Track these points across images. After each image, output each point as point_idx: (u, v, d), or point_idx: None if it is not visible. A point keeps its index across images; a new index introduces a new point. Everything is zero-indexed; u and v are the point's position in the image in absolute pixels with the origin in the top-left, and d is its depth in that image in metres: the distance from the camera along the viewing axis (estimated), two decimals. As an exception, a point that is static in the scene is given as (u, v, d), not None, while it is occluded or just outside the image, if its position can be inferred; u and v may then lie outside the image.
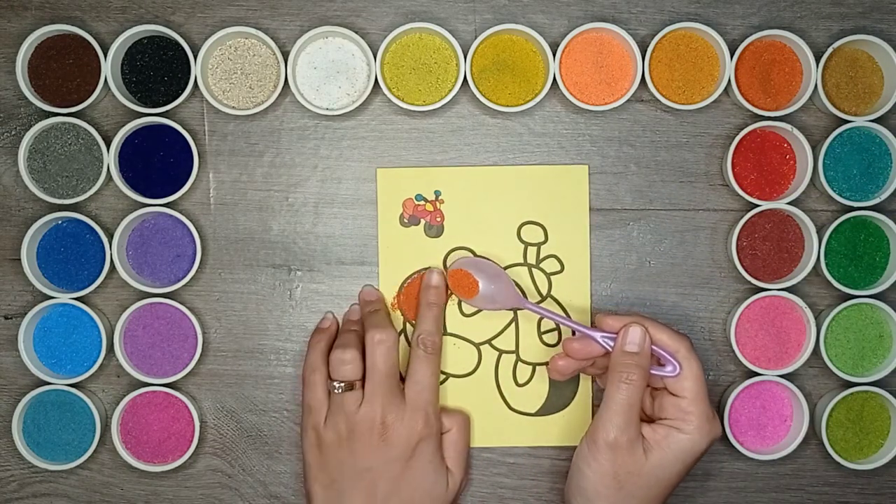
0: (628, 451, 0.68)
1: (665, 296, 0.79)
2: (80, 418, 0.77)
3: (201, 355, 0.78)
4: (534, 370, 0.78)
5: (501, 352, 0.78)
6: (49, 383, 0.77)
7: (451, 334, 0.78)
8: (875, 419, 0.77)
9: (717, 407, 0.79)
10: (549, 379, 0.77)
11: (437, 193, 0.77)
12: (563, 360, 0.73)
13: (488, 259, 0.77)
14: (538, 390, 0.78)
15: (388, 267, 0.78)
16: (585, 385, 0.78)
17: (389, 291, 0.78)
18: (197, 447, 0.78)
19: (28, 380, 0.78)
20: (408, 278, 0.78)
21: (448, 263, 0.77)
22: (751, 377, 0.77)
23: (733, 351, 0.77)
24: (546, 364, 0.77)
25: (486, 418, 0.78)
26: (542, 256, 0.77)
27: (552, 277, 0.78)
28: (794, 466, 0.79)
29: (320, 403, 0.74)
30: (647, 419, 0.72)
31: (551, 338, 0.78)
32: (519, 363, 0.78)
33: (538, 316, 0.77)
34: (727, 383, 0.79)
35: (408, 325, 0.78)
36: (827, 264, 0.77)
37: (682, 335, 0.71)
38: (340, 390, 0.72)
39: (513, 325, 0.78)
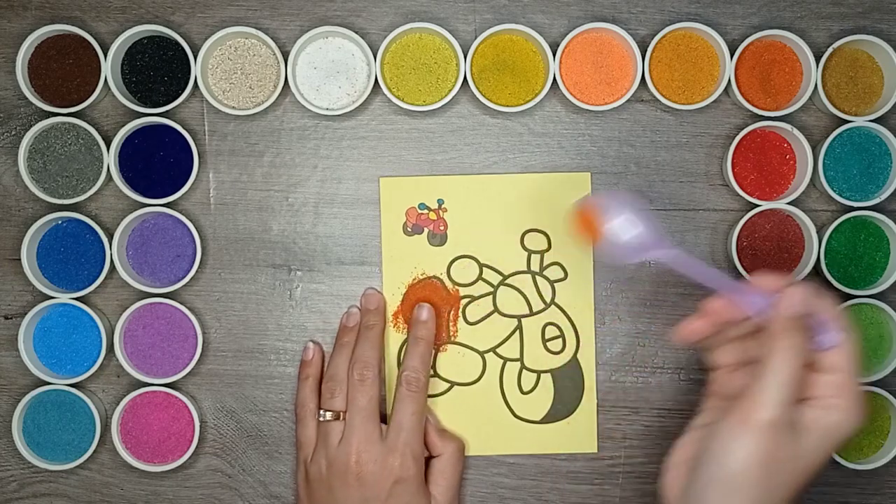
0: (788, 434, 0.58)
1: (665, 296, 0.79)
2: (80, 418, 0.77)
3: (201, 355, 0.78)
4: (538, 378, 0.78)
5: (506, 360, 0.78)
6: (49, 383, 0.77)
7: (457, 343, 0.78)
8: (875, 419, 0.77)
9: (717, 407, 0.79)
10: (555, 386, 0.77)
11: (441, 202, 0.77)
12: (700, 321, 0.63)
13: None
14: (543, 398, 0.78)
15: (392, 275, 0.78)
16: (590, 392, 0.78)
17: (393, 300, 0.78)
18: (197, 447, 0.78)
19: (28, 380, 0.78)
20: (411, 286, 0.78)
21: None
22: (751, 377, 0.77)
23: (733, 351, 0.77)
24: (550, 372, 0.77)
25: (490, 426, 0.78)
26: (545, 264, 0.77)
27: (556, 285, 0.77)
28: (794, 466, 0.79)
29: (309, 439, 0.74)
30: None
31: (555, 345, 0.78)
32: (523, 371, 0.78)
33: (543, 323, 0.77)
34: (727, 383, 0.79)
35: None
36: (827, 264, 0.77)
37: (838, 305, 0.63)
38: (326, 418, 0.73)
39: (517, 332, 0.78)
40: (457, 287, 0.78)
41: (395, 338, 0.78)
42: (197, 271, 0.77)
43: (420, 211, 0.77)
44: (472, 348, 0.78)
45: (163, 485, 0.79)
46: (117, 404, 0.77)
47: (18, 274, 0.78)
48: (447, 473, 0.74)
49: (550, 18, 0.78)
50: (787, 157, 0.77)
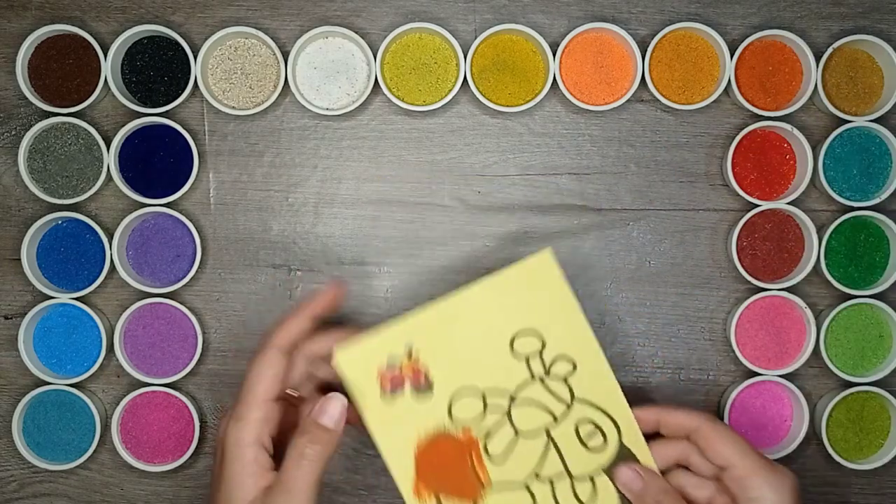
0: None
1: (665, 296, 0.79)
2: (80, 418, 0.77)
3: (201, 355, 0.78)
4: (593, 482, 0.67)
5: (553, 480, 0.66)
6: (49, 383, 0.77)
7: (496, 489, 0.66)
8: (875, 419, 0.77)
9: (718, 407, 0.79)
10: (614, 482, 0.67)
11: (409, 347, 0.65)
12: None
13: None
14: (608, 498, 0.67)
15: (393, 448, 0.65)
16: (651, 464, 0.68)
17: (406, 478, 0.65)
18: (197, 447, 0.78)
19: (28, 380, 0.78)
20: (419, 455, 0.65)
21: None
22: (751, 377, 0.77)
23: (733, 351, 0.77)
24: (603, 471, 0.67)
25: None
26: (548, 364, 0.67)
27: (568, 380, 0.67)
28: (795, 466, 0.79)
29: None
30: None
31: (596, 441, 0.67)
32: (575, 482, 0.67)
33: (573, 424, 0.67)
34: (727, 383, 0.79)
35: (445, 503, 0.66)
36: (827, 264, 0.77)
37: (697, 412, 0.66)
38: None
39: (550, 446, 0.67)
40: (466, 428, 0.66)
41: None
42: (197, 271, 0.77)
43: (390, 369, 0.65)
44: (512, 484, 0.66)
45: (163, 485, 0.79)
46: (117, 404, 0.77)
47: (18, 274, 0.78)
48: None
49: (550, 18, 0.79)
50: (787, 157, 0.77)
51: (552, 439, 0.67)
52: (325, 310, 0.67)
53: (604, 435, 0.67)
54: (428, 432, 0.65)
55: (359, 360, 0.65)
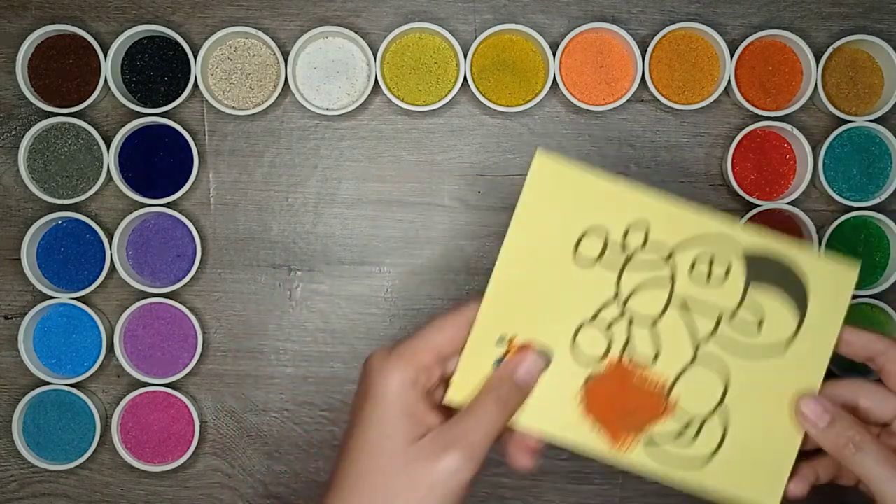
0: None
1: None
2: (80, 418, 0.77)
3: (201, 355, 0.78)
4: (733, 314, 0.59)
5: (711, 336, 0.58)
6: (49, 383, 0.77)
7: (668, 376, 0.58)
8: (875, 419, 0.77)
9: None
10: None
11: (502, 339, 0.57)
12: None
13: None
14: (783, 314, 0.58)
15: (565, 428, 0.57)
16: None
17: (596, 442, 0.57)
18: (197, 447, 0.78)
19: (28, 380, 0.78)
20: (585, 413, 0.58)
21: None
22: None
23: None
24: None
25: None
26: (622, 244, 0.59)
27: (651, 238, 0.59)
28: (794, 466, 0.79)
29: None
30: None
31: (717, 272, 0.58)
32: (731, 321, 0.58)
33: (688, 263, 0.59)
34: (727, 383, 0.79)
35: (645, 432, 0.57)
36: (827, 264, 0.77)
37: (887, 337, 0.58)
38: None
39: (681, 309, 0.59)
40: (606, 360, 0.58)
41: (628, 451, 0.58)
42: (197, 271, 0.77)
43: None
44: (683, 364, 0.58)
45: (163, 485, 0.79)
46: (117, 404, 0.77)
47: (18, 274, 0.78)
48: None
49: (550, 18, 0.79)
50: (787, 157, 0.77)
51: (676, 300, 0.58)
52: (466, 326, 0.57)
53: (717, 268, 0.58)
54: (576, 390, 0.58)
55: (466, 386, 0.57)
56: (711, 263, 0.58)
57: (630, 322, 0.59)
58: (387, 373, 0.53)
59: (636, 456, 0.58)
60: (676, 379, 0.58)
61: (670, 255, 0.58)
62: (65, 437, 0.78)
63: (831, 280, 0.58)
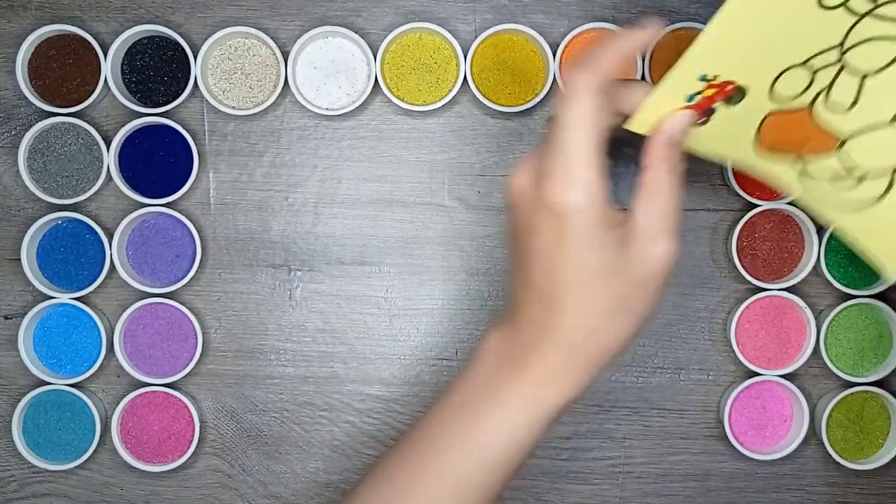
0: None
1: (665, 296, 0.79)
2: (80, 418, 0.77)
3: (201, 355, 0.78)
4: None
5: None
6: (49, 383, 0.77)
7: (852, 136, 0.56)
8: (875, 419, 0.77)
9: (717, 407, 0.79)
10: None
11: (703, 76, 0.53)
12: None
13: None
14: None
15: (738, 152, 0.57)
16: None
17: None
18: (197, 447, 0.78)
19: (28, 380, 0.78)
20: (754, 139, 0.56)
21: None
22: (751, 377, 0.77)
23: (733, 351, 0.77)
24: None
25: None
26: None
27: None
28: (794, 466, 0.79)
29: None
30: None
31: None
32: None
33: None
34: (727, 383, 0.79)
35: (803, 163, 0.57)
36: (827, 264, 0.77)
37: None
38: None
39: None
40: (798, 101, 0.55)
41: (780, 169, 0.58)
42: (197, 271, 0.77)
43: (690, 103, 0.55)
44: (874, 126, 0.55)
45: (163, 485, 0.79)
46: (117, 404, 0.77)
47: (18, 274, 0.78)
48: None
49: (550, 18, 0.78)
50: (788, 157, 0.77)
51: None
52: (641, 46, 0.54)
53: None
54: (758, 121, 0.56)
55: (656, 117, 0.55)
56: None
57: (840, 69, 0.54)
58: (574, 98, 0.50)
59: (785, 175, 0.57)
60: (860, 133, 0.55)
61: None
62: (65, 437, 0.78)
63: None
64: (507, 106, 0.76)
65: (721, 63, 0.53)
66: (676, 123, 0.54)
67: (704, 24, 0.76)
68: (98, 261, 0.77)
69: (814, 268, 0.76)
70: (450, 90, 0.76)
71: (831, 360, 0.77)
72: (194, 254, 0.77)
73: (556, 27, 0.78)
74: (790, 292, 0.77)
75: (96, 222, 0.77)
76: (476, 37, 0.77)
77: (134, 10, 0.79)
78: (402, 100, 0.76)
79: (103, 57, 0.76)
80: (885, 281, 0.76)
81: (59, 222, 0.78)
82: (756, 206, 0.76)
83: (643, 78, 0.76)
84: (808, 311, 0.76)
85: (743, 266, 0.76)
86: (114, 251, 0.77)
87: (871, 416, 0.77)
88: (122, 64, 0.77)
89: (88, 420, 0.77)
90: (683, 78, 0.53)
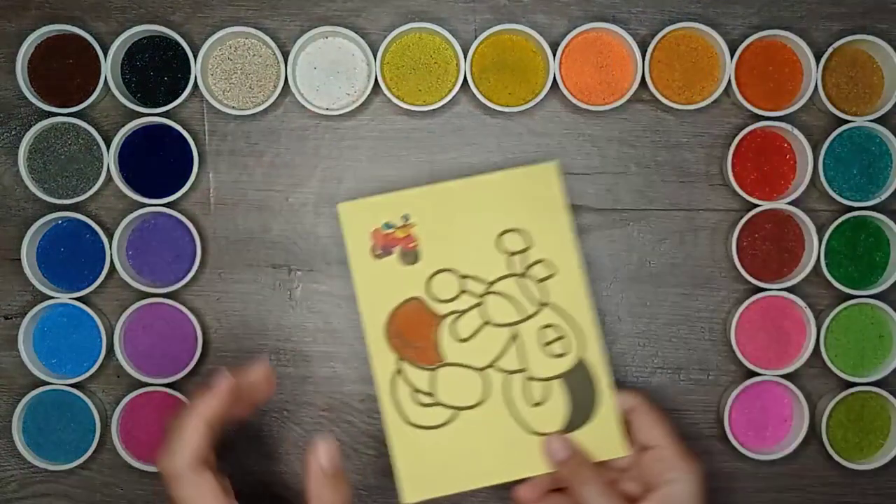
0: None
1: (665, 296, 0.79)
2: (80, 418, 0.77)
3: (201, 355, 0.78)
4: (548, 386, 0.71)
5: (507, 372, 0.71)
6: (49, 383, 0.77)
7: (452, 364, 0.71)
8: (875, 419, 0.77)
9: (717, 407, 0.79)
10: (567, 391, 0.70)
11: (406, 218, 0.71)
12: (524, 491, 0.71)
13: None
14: (557, 406, 0.71)
15: (370, 304, 0.71)
16: (607, 391, 0.70)
17: (377, 331, 0.70)
18: (197, 447, 0.78)
19: (28, 380, 0.78)
20: (392, 312, 0.71)
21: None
22: (751, 377, 0.77)
23: (733, 351, 0.77)
24: (559, 377, 0.71)
25: (507, 449, 0.70)
26: (528, 264, 0.71)
27: (544, 284, 0.71)
28: (795, 466, 0.79)
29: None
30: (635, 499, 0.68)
31: (558, 348, 0.71)
32: (530, 381, 0.71)
33: (539, 326, 0.71)
34: (727, 383, 0.79)
35: (402, 363, 0.70)
36: (827, 264, 0.77)
37: (629, 390, 0.70)
38: None
39: (514, 341, 0.71)
40: (441, 304, 0.71)
41: (384, 363, 0.71)
42: (197, 271, 0.77)
43: (386, 231, 0.71)
44: (469, 367, 0.71)
45: (163, 485, 0.79)
46: (117, 404, 0.77)
47: (18, 274, 0.78)
48: None
49: (550, 18, 0.78)
50: (788, 157, 0.77)
51: (517, 336, 0.71)
52: (218, 412, 0.63)
53: (566, 345, 0.71)
54: (405, 296, 0.71)
55: (359, 215, 0.71)
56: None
57: (477, 304, 0.72)
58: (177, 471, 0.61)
59: (382, 368, 0.71)
60: (456, 365, 0.71)
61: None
62: (65, 437, 0.78)
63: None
64: (507, 106, 0.76)
65: (423, 217, 0.71)
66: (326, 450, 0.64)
67: (705, 24, 0.76)
68: (98, 261, 0.77)
69: (814, 268, 0.76)
70: (450, 90, 0.76)
71: (831, 360, 0.77)
72: (194, 254, 0.77)
73: (556, 27, 0.78)
74: (790, 292, 0.77)
75: (96, 222, 0.77)
76: (476, 37, 0.77)
77: (134, 10, 0.79)
78: (402, 100, 0.76)
79: (103, 57, 0.76)
80: (880, 284, 0.77)
81: (59, 222, 0.78)
82: (756, 206, 0.76)
83: (643, 78, 0.76)
84: (808, 311, 0.76)
85: (743, 266, 0.76)
86: (114, 251, 0.77)
87: (871, 416, 0.77)
88: (122, 64, 0.77)
89: (88, 420, 0.77)
90: (396, 201, 0.71)
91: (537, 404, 0.71)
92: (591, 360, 0.71)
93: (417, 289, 0.71)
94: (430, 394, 0.71)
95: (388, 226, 0.71)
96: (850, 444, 0.77)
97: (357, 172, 0.79)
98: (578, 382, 0.71)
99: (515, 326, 0.71)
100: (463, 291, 0.71)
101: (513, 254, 0.71)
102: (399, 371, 0.71)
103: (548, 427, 0.70)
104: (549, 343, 0.71)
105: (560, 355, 0.71)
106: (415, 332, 0.71)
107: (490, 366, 0.71)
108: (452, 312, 0.71)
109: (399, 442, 0.71)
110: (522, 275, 0.71)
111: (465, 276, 0.71)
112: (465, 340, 0.71)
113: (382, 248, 0.71)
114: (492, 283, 0.71)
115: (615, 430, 0.70)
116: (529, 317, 0.71)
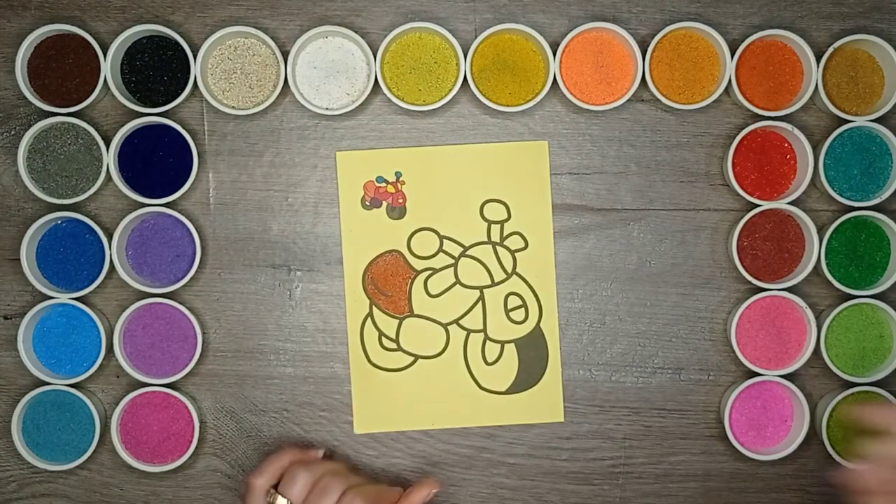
0: None
1: (665, 296, 0.79)
2: (80, 418, 0.77)
3: (201, 355, 0.78)
4: (502, 348, 0.78)
5: (469, 331, 0.78)
6: (48, 383, 0.77)
7: (419, 316, 0.78)
8: (875, 419, 0.77)
9: (717, 407, 0.79)
10: (518, 356, 0.78)
11: (398, 175, 0.77)
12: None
13: None
14: (508, 368, 0.78)
15: (352, 251, 0.78)
16: (555, 361, 0.78)
17: (355, 276, 0.78)
18: (197, 447, 0.78)
19: (28, 380, 0.78)
20: (372, 261, 0.78)
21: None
22: (751, 377, 0.77)
23: (734, 351, 0.77)
24: (513, 342, 0.78)
25: (456, 398, 0.78)
26: (505, 234, 0.78)
27: (517, 255, 0.78)
28: (795, 466, 0.79)
29: None
30: None
31: (518, 315, 0.78)
32: (487, 342, 0.78)
33: (505, 293, 0.77)
34: (727, 383, 0.79)
35: (374, 308, 0.78)
36: (827, 264, 0.76)
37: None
38: (273, 499, 0.70)
39: (479, 303, 0.78)
40: (418, 259, 0.78)
41: (357, 306, 0.78)
42: (197, 271, 0.77)
43: (378, 184, 0.77)
44: (434, 321, 0.78)
45: (163, 485, 0.79)
46: (117, 404, 0.77)
47: (18, 274, 0.78)
48: None
49: (550, 18, 0.78)
50: (788, 156, 0.77)
51: (483, 299, 0.78)
52: None
53: (527, 313, 0.78)
54: (387, 249, 0.78)
55: (355, 165, 0.77)
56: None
57: (452, 265, 0.78)
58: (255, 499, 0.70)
59: (354, 308, 0.78)
60: (422, 318, 0.78)
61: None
62: (64, 437, 0.78)
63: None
64: (507, 106, 0.76)
65: (414, 177, 0.77)
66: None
67: (705, 23, 0.76)
68: (98, 261, 0.77)
69: (814, 268, 0.76)
70: (450, 90, 0.76)
71: (831, 360, 0.77)
72: (194, 254, 0.77)
73: (556, 27, 0.78)
74: (790, 292, 0.77)
75: (96, 222, 0.77)
76: (476, 37, 0.77)
77: (134, 10, 0.79)
78: (402, 100, 0.76)
79: (103, 57, 0.76)
80: (880, 284, 0.76)
81: (59, 222, 0.78)
82: (756, 206, 0.76)
83: (643, 78, 0.76)
84: (808, 311, 0.76)
85: (743, 266, 0.76)
86: (113, 251, 0.76)
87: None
88: (122, 64, 0.77)
89: (88, 420, 0.77)
90: (391, 158, 0.78)
91: (491, 363, 0.78)
92: (546, 331, 0.78)
93: (399, 243, 0.78)
94: (394, 339, 0.78)
95: (380, 179, 0.77)
96: (851, 444, 0.77)
97: (357, 172, 0.79)
98: (531, 349, 0.78)
99: (483, 290, 0.78)
100: (441, 251, 0.78)
101: (493, 223, 0.78)
102: (369, 315, 0.78)
103: (496, 385, 0.78)
104: (511, 310, 0.78)
105: (519, 322, 0.78)
106: (390, 282, 0.78)
107: (454, 322, 0.78)
108: (427, 269, 0.78)
109: (359, 379, 0.78)
110: (499, 243, 0.78)
111: (445, 237, 0.78)
112: (434, 296, 0.78)
113: (372, 199, 0.77)
114: (469, 248, 0.78)
115: (557, 397, 0.78)
116: (498, 283, 0.78)
